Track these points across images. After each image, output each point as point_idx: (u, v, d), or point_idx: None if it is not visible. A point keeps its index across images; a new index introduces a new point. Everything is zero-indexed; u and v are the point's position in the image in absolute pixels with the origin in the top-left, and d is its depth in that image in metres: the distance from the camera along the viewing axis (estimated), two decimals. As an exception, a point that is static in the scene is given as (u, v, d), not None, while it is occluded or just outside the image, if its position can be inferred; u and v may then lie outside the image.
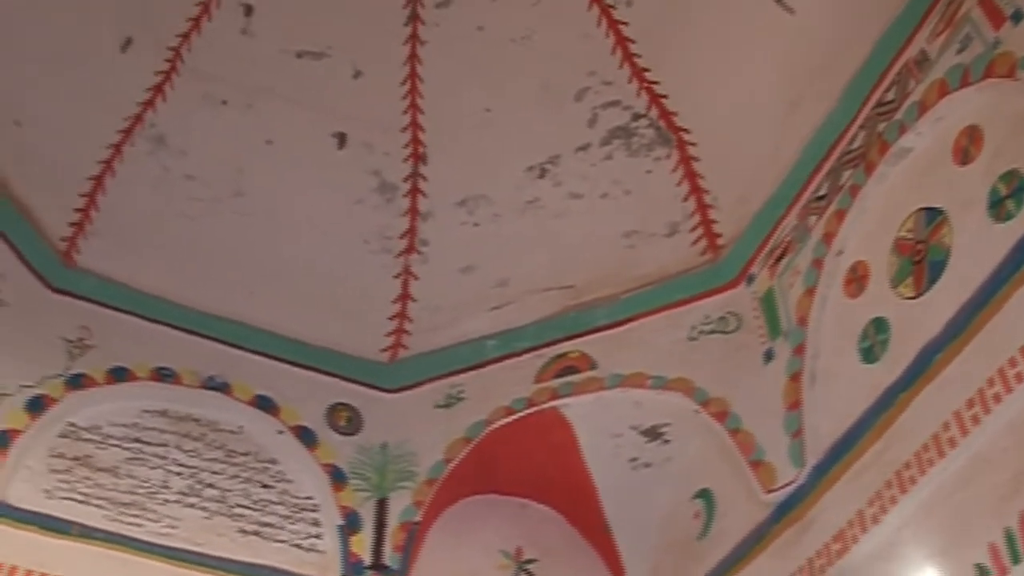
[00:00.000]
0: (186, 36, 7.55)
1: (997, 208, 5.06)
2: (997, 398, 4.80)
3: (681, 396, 6.98)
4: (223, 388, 7.56)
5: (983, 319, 4.95)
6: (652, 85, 7.37)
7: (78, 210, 7.55)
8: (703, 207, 7.33)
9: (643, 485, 7.39)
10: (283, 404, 7.63)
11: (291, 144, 7.85)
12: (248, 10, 7.55)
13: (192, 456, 7.29)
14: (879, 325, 5.73)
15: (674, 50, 7.23)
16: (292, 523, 7.26)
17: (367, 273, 7.99)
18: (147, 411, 7.34)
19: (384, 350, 8.05)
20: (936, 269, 5.39)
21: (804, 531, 5.90)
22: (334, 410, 7.76)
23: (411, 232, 7.98)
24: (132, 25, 7.41)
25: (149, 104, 7.59)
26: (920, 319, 5.38)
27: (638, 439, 7.33)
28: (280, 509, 7.29)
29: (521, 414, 7.45)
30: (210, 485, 7.21)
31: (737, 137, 7.07)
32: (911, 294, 5.54)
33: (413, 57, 7.71)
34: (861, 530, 5.49)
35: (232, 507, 7.18)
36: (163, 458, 7.20)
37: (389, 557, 7.18)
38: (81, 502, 6.82)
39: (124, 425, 7.23)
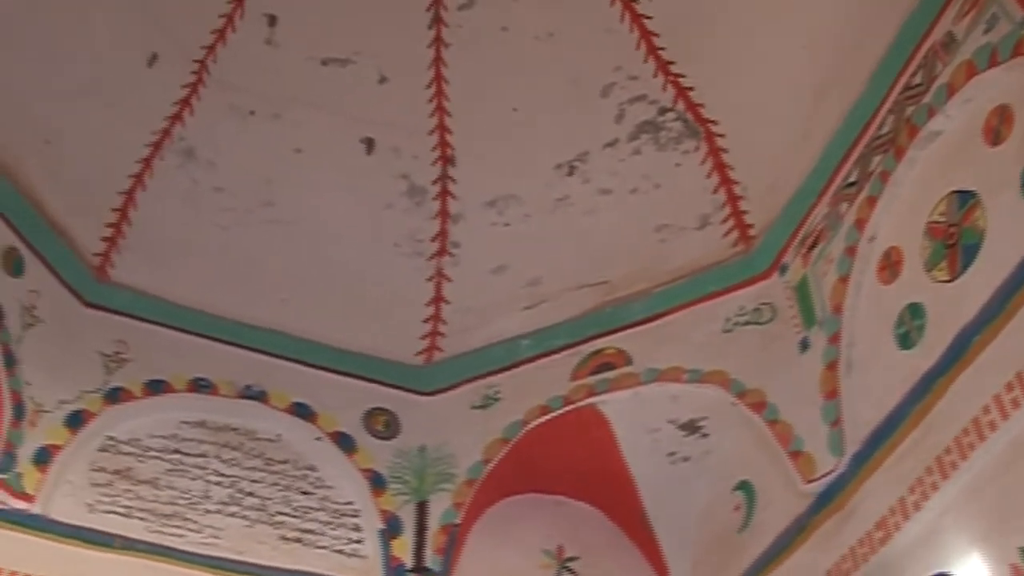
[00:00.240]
0: (211, 48, 7.59)
1: (1030, 187, 5.02)
2: (1036, 379, 4.75)
3: (718, 389, 6.95)
4: (260, 397, 7.60)
5: (1019, 300, 4.89)
6: (678, 78, 7.35)
7: (110, 225, 7.60)
8: (733, 198, 7.29)
9: (682, 479, 7.38)
10: (320, 411, 7.65)
11: (319, 152, 7.88)
12: (272, 20, 7.58)
13: (231, 465, 7.33)
14: (914, 310, 5.68)
15: (699, 42, 7.20)
16: (333, 529, 7.29)
17: (399, 277, 8.01)
18: (185, 422, 7.39)
19: (419, 353, 8.06)
20: (970, 252, 5.33)
21: (845, 520, 5.86)
22: (371, 415, 7.77)
23: (442, 234, 7.99)
24: (157, 40, 7.45)
25: (177, 118, 7.64)
26: (956, 303, 5.33)
27: (676, 433, 7.32)
28: (321, 515, 7.32)
29: (558, 412, 7.44)
30: (250, 494, 7.25)
31: (765, 127, 7.03)
32: (946, 278, 5.49)
33: (438, 60, 7.71)
34: (903, 518, 5.46)
35: (273, 515, 7.22)
36: (203, 468, 7.25)
37: (431, 560, 7.20)
38: (123, 515, 6.87)
39: (163, 437, 7.28)
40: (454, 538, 7.32)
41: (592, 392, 7.37)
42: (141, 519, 6.89)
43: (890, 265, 5.98)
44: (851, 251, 6.24)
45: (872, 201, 6.13)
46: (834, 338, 6.27)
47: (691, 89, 7.34)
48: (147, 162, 7.64)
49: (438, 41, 7.68)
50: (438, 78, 7.77)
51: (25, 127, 7.15)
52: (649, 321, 7.43)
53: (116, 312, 7.52)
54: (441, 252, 8.01)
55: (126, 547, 6.72)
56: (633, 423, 7.37)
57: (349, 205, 7.94)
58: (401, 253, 8.01)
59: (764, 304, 6.97)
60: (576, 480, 7.68)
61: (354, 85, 7.75)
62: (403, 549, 7.25)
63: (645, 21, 7.29)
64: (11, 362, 6.83)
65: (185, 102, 7.63)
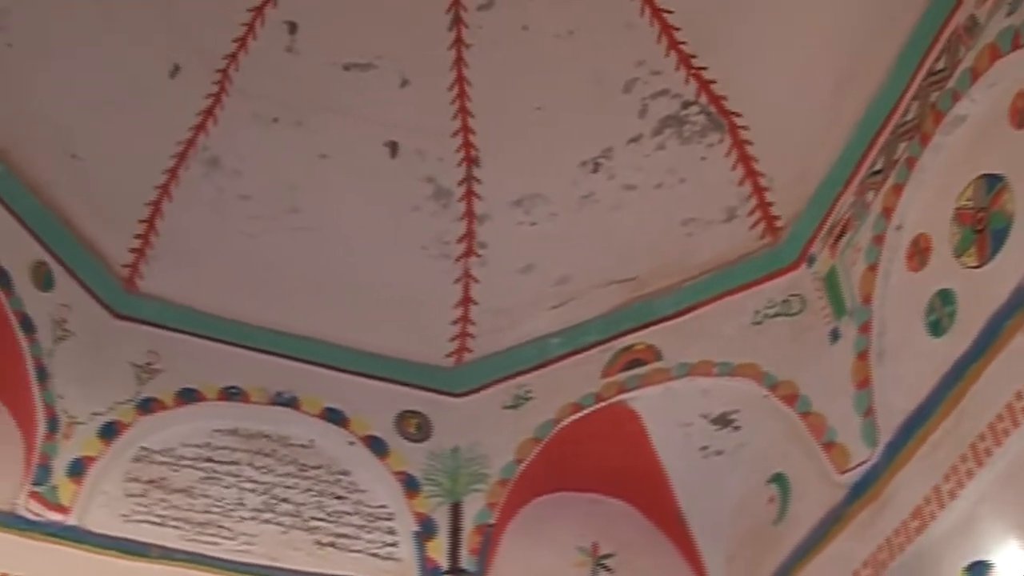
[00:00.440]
0: (233, 57, 7.61)
1: (1059, 169, 4.98)
2: (1069, 363, 4.72)
3: (749, 382, 6.93)
4: (291, 403, 7.63)
5: (1051, 284, 4.86)
6: (700, 71, 7.31)
7: (138, 236, 7.64)
8: (759, 190, 7.26)
9: (716, 473, 7.35)
10: (352, 415, 7.67)
11: (344, 157, 7.88)
12: (292, 27, 7.60)
13: (265, 472, 7.37)
14: (945, 297, 5.64)
15: (720, 35, 7.16)
16: (368, 532, 7.31)
17: (427, 279, 8.01)
18: (218, 430, 7.43)
19: (449, 355, 8.06)
20: (999, 236, 5.28)
21: (880, 510, 5.83)
22: (403, 418, 7.78)
23: (469, 236, 7.99)
24: (179, 52, 7.48)
25: (201, 127, 7.66)
26: (986, 288, 5.29)
27: (708, 427, 7.29)
28: (355, 519, 7.34)
29: (589, 410, 7.44)
30: (284, 500, 7.28)
31: (789, 117, 7.00)
32: (975, 263, 5.44)
33: (459, 61, 7.71)
34: (939, 506, 5.42)
35: (307, 520, 7.24)
36: (236, 476, 7.29)
37: (466, 560, 7.21)
38: (158, 524, 6.92)
39: (196, 446, 7.32)
40: (489, 538, 7.33)
41: (623, 389, 7.37)
42: (176, 528, 6.94)
43: (919, 252, 5.94)
44: (879, 240, 6.20)
45: (899, 189, 6.09)
46: (864, 327, 6.23)
47: (714, 82, 7.30)
48: (172, 172, 7.66)
49: (459, 42, 7.67)
50: (460, 79, 7.76)
51: (51, 142, 7.23)
52: (678, 316, 7.41)
53: (146, 323, 7.57)
54: (468, 253, 8.00)
55: (162, 556, 6.77)
56: (665, 418, 7.35)
57: (375, 209, 7.94)
58: (428, 255, 8.01)
59: (793, 295, 6.93)
60: (609, 477, 7.66)
61: (376, 89, 7.74)
62: (438, 551, 7.26)
63: (666, 15, 7.25)
64: (43, 376, 6.91)
65: (208, 112, 7.65)
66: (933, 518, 5.44)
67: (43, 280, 7.08)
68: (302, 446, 7.53)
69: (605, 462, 7.59)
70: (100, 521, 6.77)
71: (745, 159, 7.29)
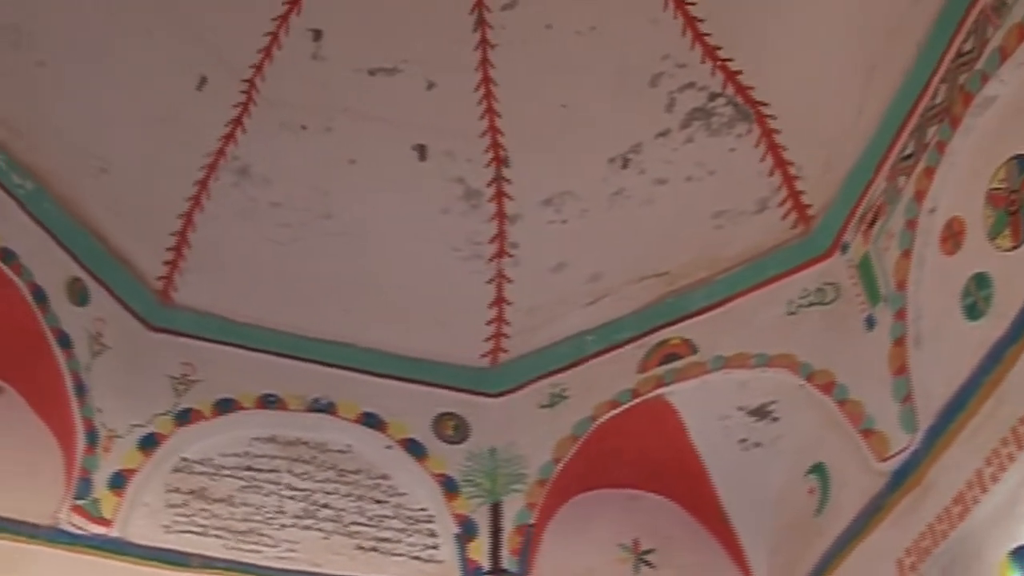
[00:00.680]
0: (259, 67, 7.65)
1: (1091, 147, 4.92)
2: (1107, 341, 4.66)
3: (785, 372, 6.89)
4: (328, 409, 7.65)
5: (1087, 262, 4.81)
6: (726, 62, 7.28)
7: (171, 248, 7.69)
8: (789, 179, 7.21)
9: (755, 465, 7.31)
10: (389, 419, 7.69)
11: (373, 161, 7.91)
12: (317, 34, 7.63)
13: (304, 479, 7.40)
14: (980, 280, 5.57)
15: (744, 25, 7.13)
16: (408, 536, 7.33)
17: (460, 281, 8.02)
18: (256, 439, 7.48)
19: (484, 355, 8.06)
20: (1033, 217, 5.23)
21: (922, 497, 5.78)
22: (440, 420, 7.79)
23: (500, 236, 7.99)
24: (205, 63, 7.54)
25: (230, 137, 7.71)
26: (1021, 270, 5.23)
27: (746, 419, 7.26)
28: (395, 523, 7.37)
29: (626, 406, 7.41)
30: (324, 506, 7.32)
31: (817, 105, 6.95)
32: (1010, 246, 5.38)
33: (484, 62, 7.72)
34: (981, 491, 5.35)
35: (348, 525, 7.28)
36: (276, 483, 7.34)
37: (507, 561, 7.22)
38: (199, 534, 6.99)
39: (235, 455, 7.38)
40: (529, 538, 7.33)
41: (659, 383, 7.34)
42: (217, 537, 7.00)
43: (952, 236, 5.88)
44: (912, 225, 6.14)
45: (930, 172, 6.02)
46: (900, 314, 6.18)
47: (740, 73, 7.27)
48: (203, 183, 7.71)
49: (483, 43, 7.68)
50: (486, 80, 7.77)
51: (81, 158, 7.29)
52: (712, 308, 7.37)
53: (182, 334, 7.63)
54: (500, 253, 8.01)
55: (204, 566, 6.84)
56: (702, 412, 7.33)
57: (406, 212, 7.95)
58: (460, 257, 8.02)
59: (827, 284, 6.88)
60: (648, 472, 7.64)
61: (403, 93, 7.77)
62: (479, 552, 7.28)
63: (689, 7, 7.23)
64: (82, 390, 6.99)
65: (236, 121, 7.70)
66: (976, 503, 5.37)
67: (78, 296, 7.15)
68: (340, 451, 7.57)
69: (644, 458, 7.57)
70: (142, 532, 6.85)
71: (774, 149, 7.25)
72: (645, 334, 7.56)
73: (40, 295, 6.92)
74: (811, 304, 6.92)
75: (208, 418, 7.40)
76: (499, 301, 8.03)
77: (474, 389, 7.95)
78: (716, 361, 7.17)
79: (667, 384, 7.31)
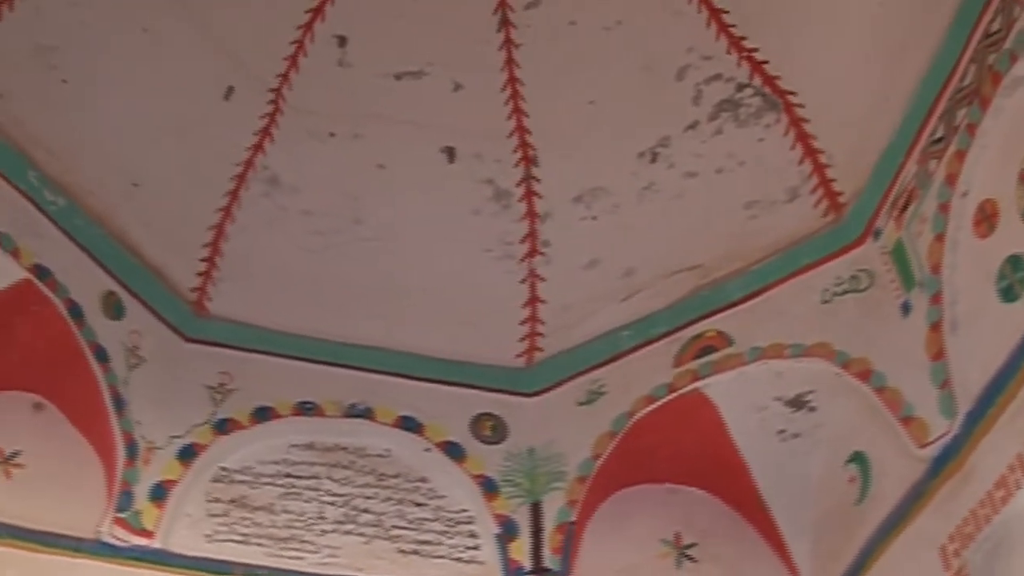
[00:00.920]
0: (285, 76, 7.69)
1: (1123, 123, 4.86)
2: None
3: (822, 361, 6.83)
4: (366, 414, 7.67)
5: (1121, 240, 4.76)
6: (751, 53, 7.25)
7: (203, 259, 7.74)
8: (820, 167, 7.16)
9: (794, 456, 7.26)
10: (427, 422, 7.70)
11: (402, 165, 7.93)
12: (342, 41, 7.67)
13: (344, 484, 7.42)
14: (1015, 262, 5.52)
15: (768, 14, 7.09)
16: (449, 538, 7.33)
17: (493, 281, 8.02)
18: (294, 446, 7.50)
19: (520, 355, 8.05)
20: (1067, 197, 5.19)
21: (964, 482, 5.72)
22: (478, 421, 7.79)
23: (531, 235, 7.99)
24: (231, 74, 7.58)
25: (258, 147, 7.75)
26: (1057, 251, 5.20)
27: (784, 410, 7.20)
28: (436, 525, 7.37)
29: (664, 400, 7.38)
30: (365, 510, 7.33)
31: (844, 91, 6.90)
32: (1044, 227, 5.34)
33: (510, 62, 7.73)
34: (1023, 474, 5.30)
35: (388, 529, 7.29)
36: (316, 490, 7.35)
37: (549, 560, 7.19)
38: (241, 542, 7.02)
39: (274, 462, 7.40)
40: (570, 536, 7.30)
41: (696, 377, 7.30)
42: (259, 545, 7.03)
43: (986, 219, 5.82)
44: (944, 208, 6.08)
45: (961, 155, 5.96)
46: (935, 298, 6.12)
47: (766, 62, 7.23)
48: (233, 194, 7.76)
49: (508, 43, 7.70)
50: (512, 80, 7.78)
51: (112, 173, 7.35)
52: (747, 300, 7.33)
53: (217, 344, 7.67)
54: (532, 252, 8.01)
55: (246, 574, 6.88)
56: (740, 404, 7.28)
57: (436, 215, 7.97)
58: (493, 257, 8.02)
59: (861, 271, 6.82)
60: (687, 466, 7.59)
61: (430, 96, 7.79)
62: (520, 552, 7.26)
63: (712, -1, 7.22)
64: (120, 403, 7.06)
65: (265, 131, 7.74)
66: (1018, 486, 5.31)
67: (113, 309, 7.21)
68: (379, 456, 7.58)
69: (682, 452, 7.53)
70: (184, 543, 6.90)
71: (803, 137, 7.21)
72: (680, 328, 7.52)
73: (76, 310, 6.98)
74: (845, 292, 6.87)
75: (246, 427, 7.43)
76: (533, 300, 8.03)
77: (511, 389, 7.93)
78: (752, 353, 7.13)
79: (703, 377, 7.27)
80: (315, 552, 7.08)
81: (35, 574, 6.51)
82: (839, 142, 7.06)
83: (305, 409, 7.58)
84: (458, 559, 7.26)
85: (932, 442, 5.97)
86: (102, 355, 7.04)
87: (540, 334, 8.03)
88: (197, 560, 6.82)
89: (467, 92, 7.80)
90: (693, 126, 7.52)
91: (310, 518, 7.21)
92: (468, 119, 7.85)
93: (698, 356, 7.35)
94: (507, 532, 7.35)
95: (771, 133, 7.33)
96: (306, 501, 7.28)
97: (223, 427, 7.38)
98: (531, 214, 7.97)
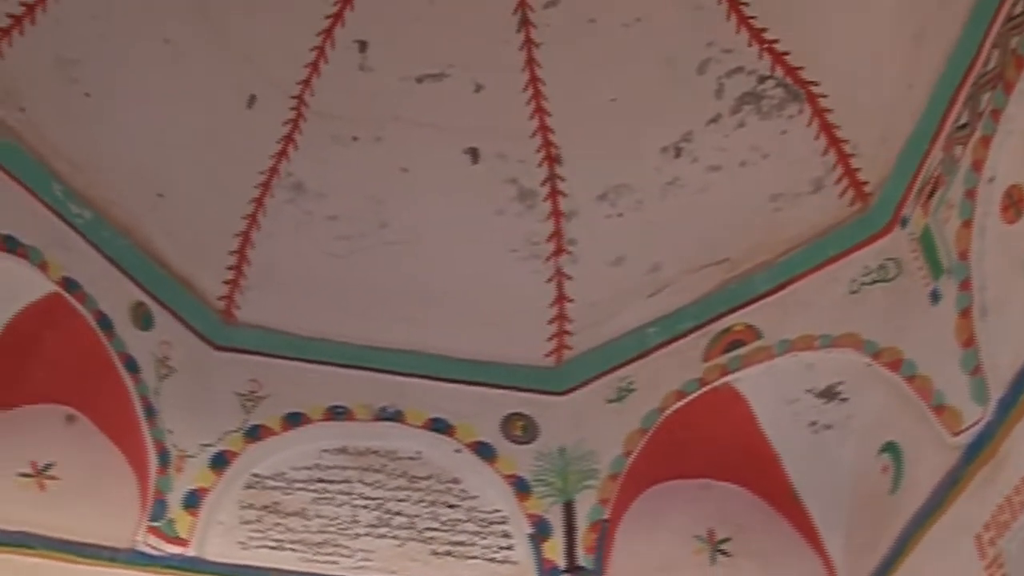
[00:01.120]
0: (307, 82, 7.74)
1: None
2: None
3: (851, 352, 6.78)
4: (396, 417, 7.68)
5: None
6: (772, 44, 7.24)
7: (230, 268, 7.80)
8: (844, 157, 7.13)
9: (826, 447, 7.21)
10: (457, 423, 7.70)
11: (426, 168, 7.96)
12: (362, 46, 7.71)
13: (376, 487, 7.43)
14: (1044, 246, 5.49)
15: (789, 5, 7.08)
16: (482, 538, 7.33)
17: (520, 281, 8.03)
18: (326, 450, 7.52)
19: (549, 354, 8.05)
20: (1093, 181, 5.14)
21: (998, 469, 5.65)
22: (508, 421, 7.79)
23: (557, 234, 7.99)
24: (253, 82, 7.64)
25: (282, 154, 7.80)
26: (1084, 234, 5.15)
27: (815, 401, 7.15)
28: (469, 526, 7.37)
29: (694, 395, 7.35)
30: (397, 513, 7.34)
31: (867, 80, 6.86)
32: (1070, 210, 5.30)
33: (530, 61, 7.75)
34: (1058, 460, 5.28)
35: (422, 531, 7.30)
36: (348, 494, 7.37)
37: (583, 558, 7.19)
38: (275, 548, 7.05)
39: (306, 468, 7.43)
40: (604, 534, 7.29)
41: (725, 371, 7.27)
42: (293, 550, 7.06)
43: (1013, 204, 5.76)
44: (971, 194, 6.02)
45: (986, 140, 5.90)
46: (964, 285, 6.06)
47: (787, 54, 7.21)
48: (259, 201, 7.81)
49: (528, 42, 7.72)
50: (533, 79, 7.80)
51: (137, 184, 7.40)
52: (774, 292, 7.29)
53: (247, 352, 7.71)
54: (558, 251, 8.01)
55: (282, 580, 6.89)
56: (770, 397, 7.24)
57: (461, 216, 8.00)
58: (519, 257, 8.04)
59: (889, 260, 6.78)
60: (719, 461, 7.56)
61: (451, 98, 7.81)
62: (554, 551, 7.25)
63: (732, -9, 7.21)
64: (151, 413, 7.10)
65: (288, 138, 7.79)
66: (1054, 473, 5.29)
67: (142, 320, 7.25)
68: (410, 458, 7.58)
69: (714, 446, 7.50)
70: (218, 550, 6.93)
71: (827, 128, 7.18)
72: (708, 322, 7.50)
73: (105, 322, 7.03)
74: (874, 281, 6.83)
75: (277, 433, 7.46)
76: (560, 299, 8.03)
77: (540, 388, 7.93)
78: (781, 345, 7.09)
79: (733, 371, 7.24)
80: (349, 556, 7.10)
81: (72, 584, 6.59)
82: (863, 131, 7.02)
83: (336, 413, 7.60)
84: (492, 559, 7.26)
85: (965, 430, 5.90)
86: (132, 366, 7.08)
87: (568, 332, 8.03)
88: (232, 567, 6.86)
89: (488, 93, 7.82)
90: (716, 120, 7.51)
91: (343, 522, 7.23)
92: (490, 119, 7.86)
93: (727, 350, 7.32)
94: (540, 532, 7.34)
95: (794, 124, 7.30)
96: (339, 505, 7.30)
97: (254, 434, 7.41)
98: (556, 213, 7.97)
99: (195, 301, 7.62)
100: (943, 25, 6.19)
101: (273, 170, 7.79)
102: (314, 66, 7.71)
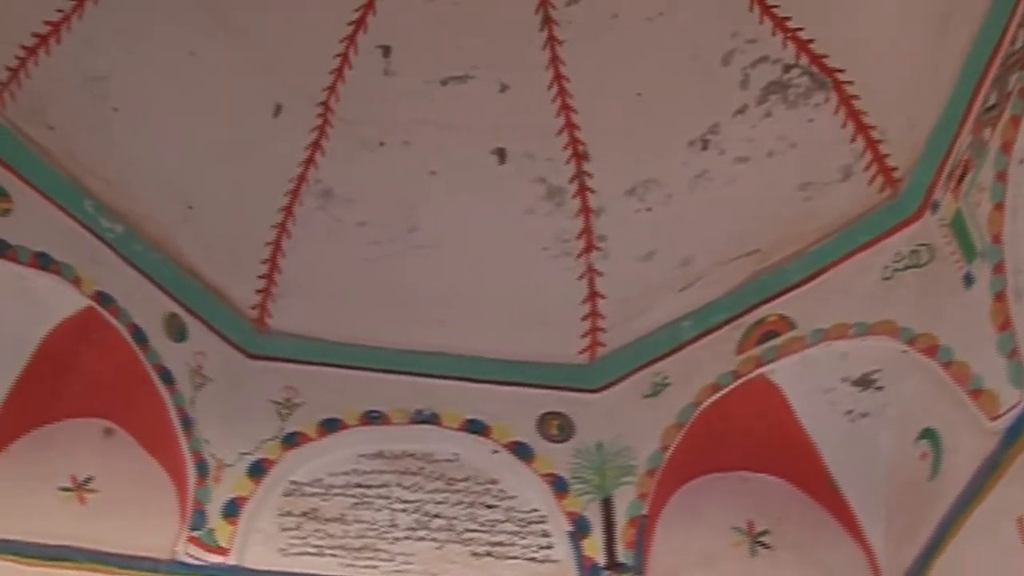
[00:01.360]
0: (331, 88, 7.77)
1: None
2: None
3: (886, 339, 6.72)
4: (432, 419, 7.69)
5: None
6: (796, 32, 7.20)
7: (262, 276, 7.83)
8: (872, 143, 7.08)
9: (864, 436, 7.15)
10: (493, 424, 7.70)
11: (454, 170, 7.98)
12: (386, 51, 7.74)
13: (414, 491, 7.43)
14: (1077, 226, 5.44)
15: (812, -8, 7.05)
16: (522, 538, 7.32)
17: (551, 279, 8.03)
18: (363, 455, 7.52)
19: (582, 352, 8.04)
20: (1124, 160, 5.09)
21: (1038, 452, 5.63)
22: (544, 420, 7.78)
23: (587, 231, 7.99)
24: (279, 91, 7.69)
25: (310, 161, 7.83)
26: (1117, 213, 5.09)
27: (851, 390, 7.09)
28: (508, 526, 7.36)
29: (729, 388, 7.31)
30: (436, 515, 7.34)
31: (893, 65, 6.81)
32: (1103, 190, 5.24)
33: (554, 59, 7.75)
34: (1099, 441, 5.22)
35: (461, 533, 7.29)
36: (386, 498, 7.37)
37: (622, 554, 7.14)
38: (315, 554, 7.04)
39: (343, 473, 7.43)
40: (643, 530, 7.26)
41: (760, 363, 7.22)
42: (333, 556, 7.05)
43: (1045, 185, 5.73)
44: (1002, 177, 5.95)
45: (1016, 121, 5.83)
46: (998, 268, 6.00)
47: (811, 41, 7.17)
48: (288, 210, 7.84)
49: (551, 40, 7.72)
50: (558, 77, 7.80)
51: (167, 197, 7.46)
52: (806, 282, 7.24)
53: (281, 359, 7.74)
54: (588, 248, 8.01)
55: (323, 585, 6.92)
56: (806, 387, 7.18)
57: (491, 217, 8.00)
58: (549, 256, 8.04)
59: (921, 245, 6.72)
60: (756, 453, 7.51)
61: (477, 99, 7.82)
62: (594, 548, 7.22)
63: (754, -20, 7.19)
64: (188, 424, 7.13)
65: (315, 145, 7.82)
66: (1094, 453, 5.23)
67: (176, 331, 7.30)
68: (447, 460, 7.58)
69: (751, 438, 7.45)
70: (259, 558, 6.95)
71: (854, 114, 7.13)
72: (741, 314, 7.46)
73: (140, 335, 7.08)
74: (906, 267, 6.78)
75: (314, 439, 7.48)
76: (592, 296, 8.02)
77: (575, 386, 7.92)
78: (815, 335, 7.04)
79: (768, 362, 7.19)
80: (389, 560, 7.09)
81: (115, 596, 6.66)
82: (890, 117, 6.97)
83: (372, 418, 7.61)
84: (532, 559, 7.24)
85: (1003, 414, 5.83)
86: (168, 377, 7.13)
87: (601, 329, 8.02)
88: (272, 574, 6.88)
89: (514, 92, 7.82)
90: (742, 111, 7.48)
91: (382, 526, 7.23)
92: (516, 119, 7.86)
93: (761, 342, 7.28)
94: (579, 529, 7.32)
95: (821, 112, 7.26)
96: (377, 510, 7.30)
97: (291, 441, 7.43)
98: (585, 210, 7.97)
99: (228, 311, 7.67)
100: (968, 5, 6.14)
101: (301, 178, 7.82)
102: (338, 72, 7.74)
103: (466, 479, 7.53)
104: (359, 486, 7.40)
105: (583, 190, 7.95)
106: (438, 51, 7.74)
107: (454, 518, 7.35)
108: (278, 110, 7.69)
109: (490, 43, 7.73)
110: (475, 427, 7.69)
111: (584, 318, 8.03)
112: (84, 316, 6.92)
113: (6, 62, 6.82)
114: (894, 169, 7.01)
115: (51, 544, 6.63)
